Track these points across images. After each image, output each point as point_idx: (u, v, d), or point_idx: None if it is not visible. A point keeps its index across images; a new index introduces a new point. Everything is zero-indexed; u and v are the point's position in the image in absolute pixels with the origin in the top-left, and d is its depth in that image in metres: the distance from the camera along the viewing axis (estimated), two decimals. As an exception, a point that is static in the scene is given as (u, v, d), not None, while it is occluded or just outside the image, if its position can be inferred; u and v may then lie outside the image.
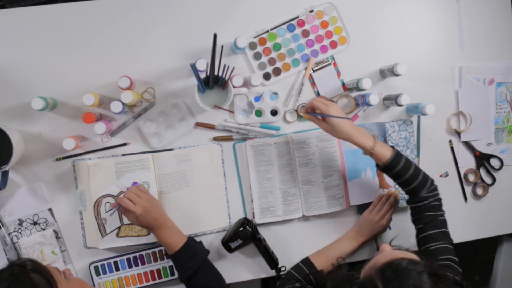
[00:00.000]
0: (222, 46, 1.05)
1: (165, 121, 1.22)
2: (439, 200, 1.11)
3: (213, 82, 1.13)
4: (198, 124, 1.24)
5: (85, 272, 1.20)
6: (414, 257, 0.83)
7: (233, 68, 1.10)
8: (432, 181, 1.11)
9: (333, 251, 1.22)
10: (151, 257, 1.22)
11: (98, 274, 1.20)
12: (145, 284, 1.22)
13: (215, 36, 1.00)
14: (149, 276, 1.22)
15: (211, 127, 1.24)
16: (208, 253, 1.12)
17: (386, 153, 1.06)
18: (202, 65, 1.12)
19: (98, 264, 1.20)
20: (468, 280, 0.90)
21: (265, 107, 1.25)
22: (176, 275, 1.21)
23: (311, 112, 1.11)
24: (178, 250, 1.07)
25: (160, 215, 1.08)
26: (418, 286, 0.74)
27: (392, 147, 1.09)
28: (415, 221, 1.12)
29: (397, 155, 1.07)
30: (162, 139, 1.22)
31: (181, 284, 1.23)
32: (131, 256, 1.21)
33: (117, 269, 1.20)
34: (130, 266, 1.21)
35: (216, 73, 1.10)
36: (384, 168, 1.08)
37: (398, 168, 1.06)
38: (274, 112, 1.26)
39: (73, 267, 1.21)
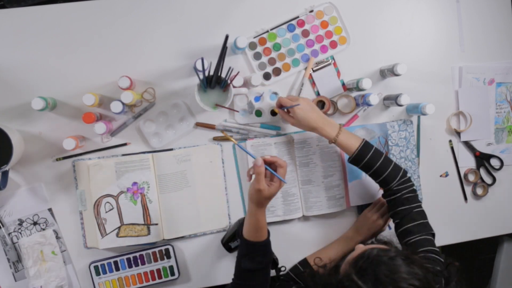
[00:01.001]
0: (226, 48, 1.04)
1: (165, 121, 1.22)
2: (413, 191, 1.10)
3: (215, 82, 1.13)
4: (198, 124, 1.24)
5: (85, 272, 1.20)
6: (385, 247, 0.85)
7: (238, 72, 1.10)
8: (405, 172, 1.11)
9: (331, 252, 1.22)
10: (151, 257, 1.22)
11: (98, 274, 1.20)
12: (145, 284, 1.22)
13: (226, 37, 1.00)
14: (149, 276, 1.22)
15: (211, 127, 1.24)
16: (271, 263, 1.07)
17: (353, 144, 1.08)
18: (205, 64, 1.12)
19: (98, 264, 1.20)
20: (450, 265, 0.92)
21: (265, 107, 1.25)
22: (177, 275, 1.22)
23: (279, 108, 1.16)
24: (263, 240, 1.02)
25: (267, 203, 1.01)
26: (392, 271, 0.76)
27: (363, 139, 1.10)
28: (392, 216, 1.11)
29: (365, 146, 1.08)
30: (162, 139, 1.22)
31: (180, 284, 1.24)
32: (131, 256, 1.21)
33: (117, 269, 1.20)
34: (130, 266, 1.21)
35: (220, 73, 1.09)
36: (352, 160, 1.11)
37: (366, 159, 1.08)
38: (274, 112, 1.26)
39: (73, 267, 1.21)
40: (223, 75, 1.10)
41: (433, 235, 1.06)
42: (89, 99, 1.09)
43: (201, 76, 1.08)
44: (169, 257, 1.22)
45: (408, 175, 1.11)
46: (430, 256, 1.01)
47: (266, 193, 0.97)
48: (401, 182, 1.09)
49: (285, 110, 1.15)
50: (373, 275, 0.77)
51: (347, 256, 0.88)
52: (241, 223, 1.19)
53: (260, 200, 0.98)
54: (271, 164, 0.99)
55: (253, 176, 0.98)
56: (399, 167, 1.10)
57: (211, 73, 1.10)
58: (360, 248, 0.87)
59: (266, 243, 1.04)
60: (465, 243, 1.34)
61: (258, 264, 1.02)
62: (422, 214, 1.08)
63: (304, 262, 1.22)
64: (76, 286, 1.21)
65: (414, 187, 1.10)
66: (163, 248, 1.21)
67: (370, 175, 1.13)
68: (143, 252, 1.21)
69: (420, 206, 1.09)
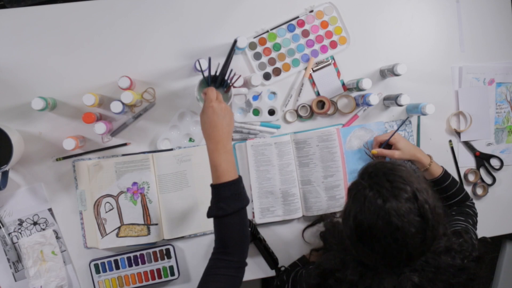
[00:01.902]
0: (234, 51, 1.02)
1: (179, 133, 1.23)
2: (476, 214, 1.17)
3: (220, 83, 1.13)
4: None
5: (85, 272, 1.20)
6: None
7: (240, 75, 1.10)
8: (472, 199, 1.22)
9: None
10: (152, 257, 1.21)
11: (98, 272, 1.20)
12: (144, 283, 1.21)
13: (235, 41, 1.00)
14: (149, 275, 1.21)
15: None
16: (248, 202, 0.97)
17: (438, 170, 1.19)
18: (204, 64, 1.12)
19: (98, 262, 1.20)
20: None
21: (262, 106, 1.25)
22: (177, 276, 1.22)
23: (381, 145, 1.24)
24: (223, 182, 0.93)
25: (227, 132, 0.97)
26: (392, 169, 0.83)
27: (442, 167, 1.21)
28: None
29: (446, 174, 1.20)
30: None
31: (180, 284, 1.23)
32: (131, 255, 1.21)
33: (117, 268, 1.20)
34: (130, 265, 1.21)
35: (228, 76, 1.09)
36: (435, 182, 1.20)
37: (446, 184, 1.18)
38: (271, 112, 1.26)
39: (73, 267, 1.21)
40: (225, 77, 1.10)
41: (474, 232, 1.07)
42: (89, 99, 1.09)
43: (206, 74, 1.08)
44: (169, 257, 1.22)
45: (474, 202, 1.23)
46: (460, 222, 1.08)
47: (217, 108, 0.95)
48: (469, 204, 1.21)
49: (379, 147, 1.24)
50: (371, 173, 0.84)
51: None
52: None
53: (207, 122, 0.96)
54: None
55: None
56: (468, 195, 1.22)
57: (212, 73, 1.10)
58: None
59: (230, 185, 0.94)
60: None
61: (222, 210, 0.92)
62: (474, 219, 1.14)
63: (302, 259, 1.22)
64: (76, 286, 1.21)
65: (476, 212, 1.19)
66: (163, 248, 1.21)
67: (445, 198, 1.20)
68: (144, 252, 1.21)
69: (470, 223, 1.10)
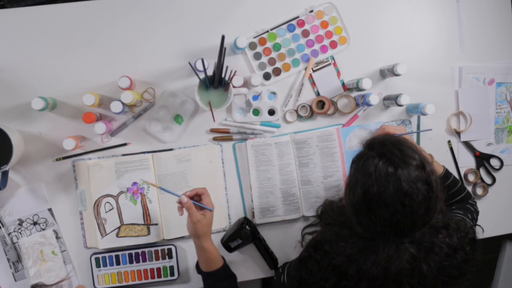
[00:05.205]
0: (225, 48, 1.04)
1: (168, 113, 1.21)
2: (477, 212, 1.16)
3: (218, 82, 1.13)
4: (213, 130, 1.24)
5: (85, 267, 1.20)
6: None
7: (235, 71, 1.10)
8: (474, 198, 1.22)
9: None
10: (153, 255, 1.21)
11: (98, 266, 1.20)
12: (143, 281, 1.21)
13: (223, 37, 1.00)
14: (149, 273, 1.21)
15: (225, 131, 1.24)
16: (236, 278, 1.11)
17: (439, 169, 1.19)
18: (204, 65, 1.12)
19: (99, 256, 1.20)
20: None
21: (262, 106, 1.25)
22: (176, 276, 1.22)
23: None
24: (220, 267, 1.06)
25: (210, 232, 1.07)
26: (400, 141, 0.85)
27: (443, 166, 1.21)
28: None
29: (448, 172, 1.20)
30: (173, 132, 1.22)
31: (177, 285, 1.24)
32: (133, 251, 1.21)
33: (118, 263, 1.20)
34: (131, 262, 1.21)
35: (224, 75, 1.09)
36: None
37: (448, 182, 1.18)
38: (271, 112, 1.26)
39: (73, 267, 1.21)
40: (223, 75, 1.10)
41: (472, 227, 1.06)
42: (89, 99, 1.09)
43: (201, 76, 1.08)
44: (171, 257, 1.22)
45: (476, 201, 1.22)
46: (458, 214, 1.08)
47: (204, 221, 1.03)
48: (471, 202, 1.20)
49: None
50: (380, 143, 0.85)
51: None
52: (240, 223, 1.19)
53: (202, 231, 1.03)
54: (194, 196, 1.05)
55: (186, 213, 1.04)
56: (471, 193, 1.22)
57: (209, 73, 1.10)
58: None
59: (224, 268, 1.07)
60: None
61: None
62: (475, 215, 1.14)
63: None
64: (76, 286, 1.21)
65: (478, 210, 1.18)
66: (166, 247, 1.21)
67: (448, 196, 1.19)
68: (146, 250, 1.21)
69: (468, 217, 1.10)
